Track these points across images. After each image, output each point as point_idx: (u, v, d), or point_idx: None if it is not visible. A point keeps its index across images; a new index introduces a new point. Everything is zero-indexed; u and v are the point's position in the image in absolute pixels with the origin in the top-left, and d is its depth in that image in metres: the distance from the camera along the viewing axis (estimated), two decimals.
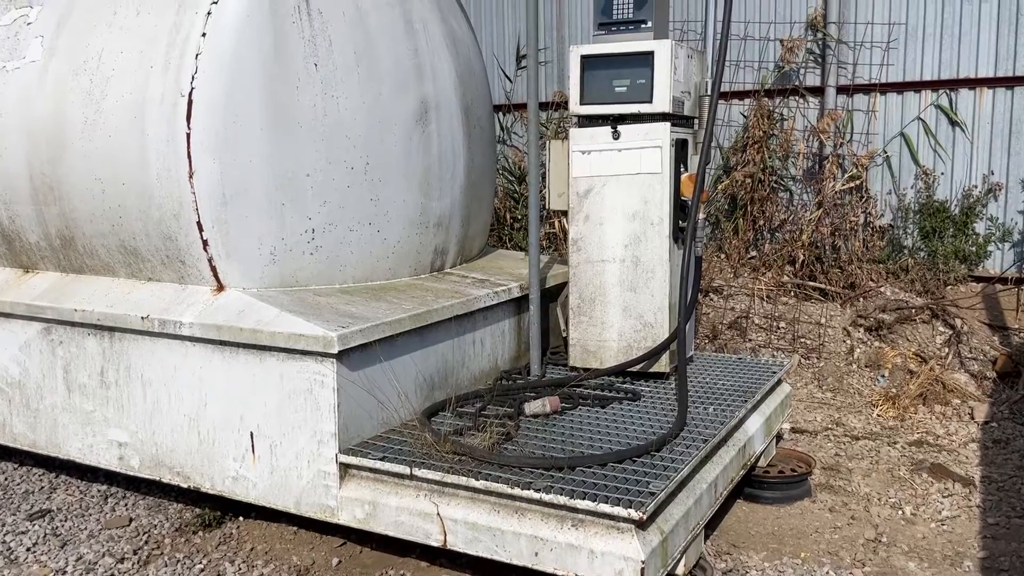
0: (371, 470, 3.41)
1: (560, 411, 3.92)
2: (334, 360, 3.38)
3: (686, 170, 4.54)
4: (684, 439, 3.55)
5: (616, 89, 4.45)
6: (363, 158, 4.08)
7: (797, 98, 7.36)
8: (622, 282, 4.48)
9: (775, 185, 7.45)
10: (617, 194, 4.46)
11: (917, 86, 6.94)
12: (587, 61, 4.48)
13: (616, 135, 4.43)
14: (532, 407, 3.88)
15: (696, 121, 4.67)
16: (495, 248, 6.07)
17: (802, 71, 7.33)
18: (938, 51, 6.87)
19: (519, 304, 4.72)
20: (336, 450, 3.42)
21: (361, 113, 4.06)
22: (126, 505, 4.44)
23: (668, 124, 4.34)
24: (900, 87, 7.00)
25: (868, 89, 7.12)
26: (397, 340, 3.70)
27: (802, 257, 7.14)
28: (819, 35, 7.24)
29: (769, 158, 7.29)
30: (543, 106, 8.82)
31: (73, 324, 4.04)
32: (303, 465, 3.51)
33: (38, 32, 4.15)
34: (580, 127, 4.57)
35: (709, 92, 4.63)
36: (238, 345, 3.59)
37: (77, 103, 3.93)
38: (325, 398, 3.42)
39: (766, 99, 7.35)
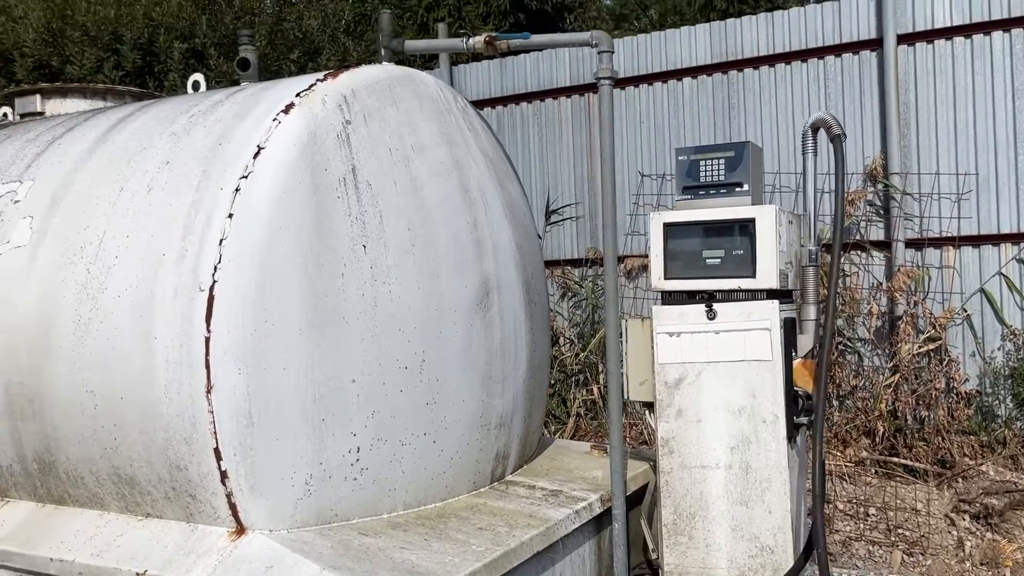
0: None
1: None
2: None
3: (796, 354, 3.81)
4: None
5: (708, 261, 3.78)
6: (419, 354, 3.33)
7: (860, 253, 6.77)
8: (729, 494, 3.65)
9: (842, 347, 6.74)
10: (716, 384, 3.71)
11: (995, 239, 6.37)
12: (672, 230, 3.84)
13: (711, 314, 3.73)
14: None
15: (801, 295, 3.98)
16: (549, 436, 5.25)
17: (864, 224, 6.77)
18: (1015, 202, 6.34)
19: (600, 520, 3.86)
20: None
21: (417, 301, 3.34)
22: None
23: (776, 302, 3.64)
24: (976, 240, 6.43)
25: (940, 243, 6.54)
26: None
27: (881, 429, 6.34)
28: (880, 186, 6.73)
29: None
30: (573, 263, 8.22)
31: None
32: None
33: (27, 211, 3.48)
34: (664, 304, 3.87)
35: (813, 260, 3.97)
36: None
37: (69, 298, 3.20)
38: None
39: (825, 254, 6.75)
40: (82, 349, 3.14)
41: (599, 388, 7.73)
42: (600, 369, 7.74)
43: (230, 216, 2.97)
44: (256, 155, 3.07)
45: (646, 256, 7.80)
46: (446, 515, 3.37)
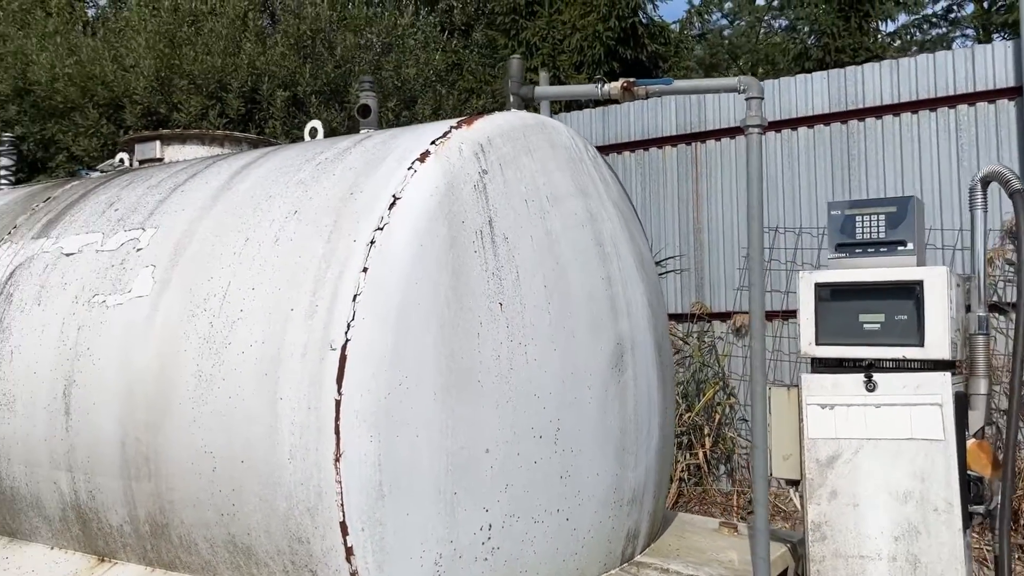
0: None
1: None
2: None
3: (968, 434, 3.40)
4: None
5: (866, 327, 3.44)
6: (554, 422, 3.06)
7: (996, 315, 6.26)
8: None
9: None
10: (877, 465, 3.33)
11: None
12: (824, 291, 3.50)
13: (871, 386, 3.37)
14: None
15: (969, 366, 3.58)
16: (670, 509, 4.88)
17: (1002, 284, 6.27)
18: None
19: None
20: None
21: (553, 364, 3.09)
22: None
23: (948, 374, 3.26)
24: None
25: None
26: None
27: None
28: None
29: None
30: (677, 318, 7.87)
31: None
32: None
33: (149, 260, 3.37)
34: (815, 371, 3.52)
35: (982, 328, 3.57)
36: None
37: (191, 352, 3.04)
38: None
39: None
40: (203, 407, 2.97)
41: (704, 452, 7.33)
42: (706, 432, 7.34)
43: (364, 270, 2.78)
44: (391, 205, 2.89)
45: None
46: None
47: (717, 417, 7.39)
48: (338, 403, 2.68)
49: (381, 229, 2.84)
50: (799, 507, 3.52)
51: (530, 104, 3.86)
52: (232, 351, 2.95)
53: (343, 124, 9.80)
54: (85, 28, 11.57)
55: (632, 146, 8.15)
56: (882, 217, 3.48)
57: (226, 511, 2.94)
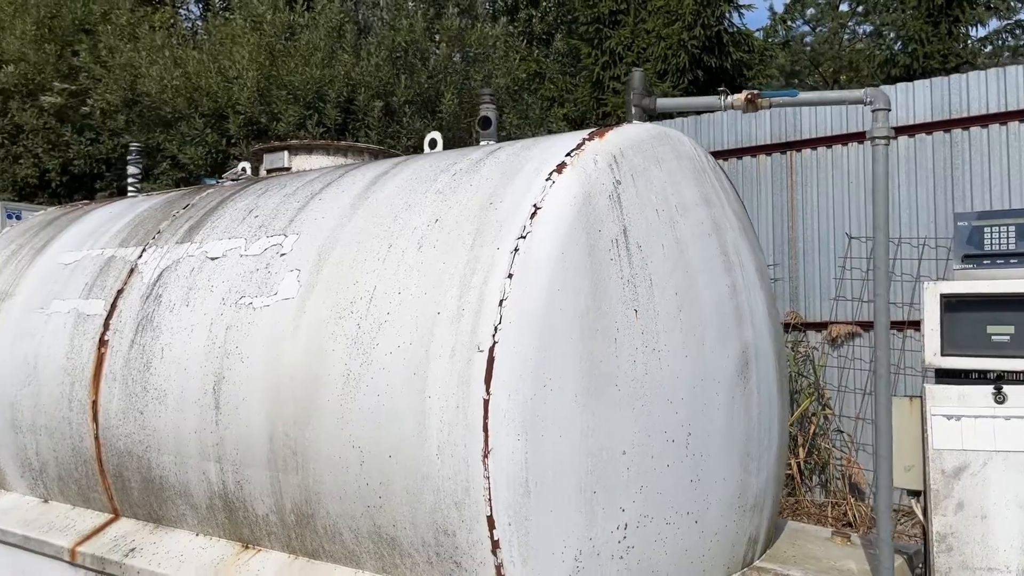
0: None
1: None
2: None
3: None
4: None
5: (994, 338, 3.42)
6: (685, 427, 3.15)
7: None
8: None
9: None
10: (1007, 477, 3.32)
11: None
12: (950, 302, 3.50)
13: (1000, 398, 3.35)
14: None
15: None
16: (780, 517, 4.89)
17: None
18: None
19: None
20: None
21: (684, 370, 3.17)
22: None
23: None
24: None
25: None
26: None
27: None
28: None
29: None
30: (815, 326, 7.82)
31: None
32: None
33: (294, 265, 3.56)
34: (939, 382, 3.52)
35: None
36: None
37: (339, 352, 3.22)
38: None
39: None
40: (351, 404, 3.14)
41: (798, 463, 7.28)
42: (800, 442, 7.29)
43: (510, 276, 2.91)
44: (532, 215, 3.02)
45: (853, 323, 7.38)
46: None
47: (812, 428, 7.34)
48: (486, 402, 2.81)
49: (524, 237, 2.97)
50: (921, 518, 3.52)
51: (652, 115, 3.95)
52: (380, 351, 3.11)
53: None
54: (187, 39, 12.10)
55: (726, 154, 8.16)
56: (1011, 228, 3.47)
57: (372, 503, 3.10)
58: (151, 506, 3.95)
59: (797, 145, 7.78)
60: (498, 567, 2.82)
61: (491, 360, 2.83)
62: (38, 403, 4.36)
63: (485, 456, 2.80)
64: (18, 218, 9.24)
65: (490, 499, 2.79)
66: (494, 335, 2.85)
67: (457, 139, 10.11)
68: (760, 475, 3.56)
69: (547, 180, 3.12)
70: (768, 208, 7.95)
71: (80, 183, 12.65)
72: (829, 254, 7.53)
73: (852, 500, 7.08)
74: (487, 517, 2.80)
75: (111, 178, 12.22)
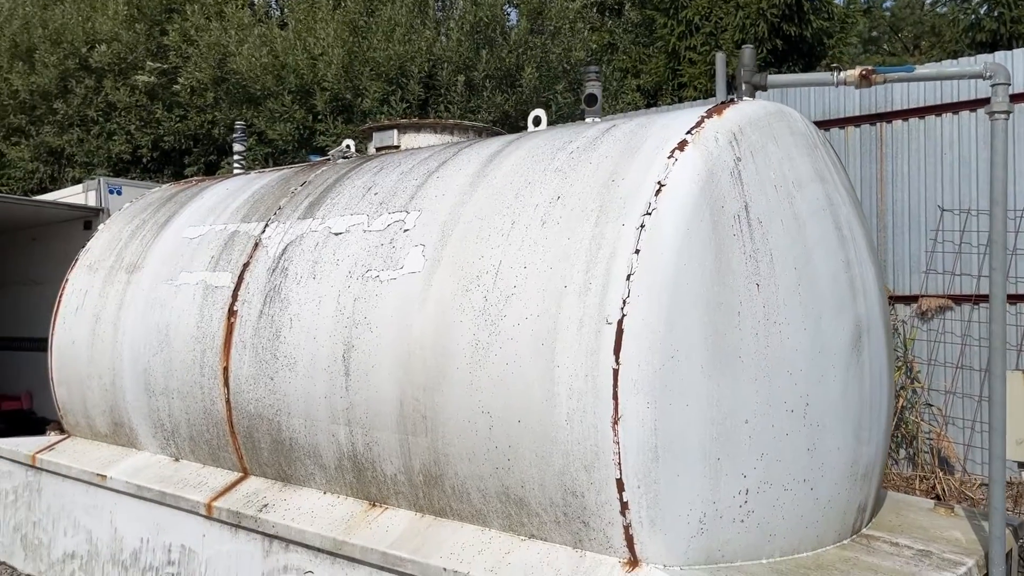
0: None
1: None
2: None
3: None
4: None
5: None
6: (803, 398, 3.24)
7: None
8: None
9: None
10: None
11: None
12: None
13: None
14: None
15: None
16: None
17: None
18: None
19: None
20: None
21: (802, 342, 3.26)
22: None
23: None
24: None
25: None
26: None
27: None
28: None
29: None
30: (905, 300, 7.78)
31: None
32: None
33: (418, 240, 3.74)
34: None
35: None
36: None
37: (466, 323, 3.39)
38: None
39: None
40: (479, 372, 3.32)
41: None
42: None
43: (636, 251, 3.03)
44: (657, 192, 3.13)
45: (944, 296, 7.30)
46: (824, 566, 3.24)
47: (900, 401, 7.31)
48: (615, 372, 2.95)
49: (649, 214, 3.09)
50: None
51: (761, 91, 3.99)
52: (507, 323, 3.27)
53: (514, 108, 10.13)
54: (269, 16, 12.39)
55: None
56: None
57: (501, 465, 3.28)
58: (280, 466, 4.22)
59: (887, 116, 7.67)
60: (626, 527, 2.98)
61: (620, 332, 2.97)
62: (170, 369, 4.66)
63: (615, 423, 2.94)
64: (118, 193, 9.64)
65: (619, 463, 2.94)
66: (623, 308, 2.99)
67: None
68: (870, 445, 3.63)
69: (669, 158, 3.22)
70: (856, 181, 7.86)
71: (169, 158, 13.13)
72: (920, 227, 7.44)
73: (941, 474, 7.06)
74: (616, 480, 2.96)
75: (199, 153, 12.65)
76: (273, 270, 4.30)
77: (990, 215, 3.59)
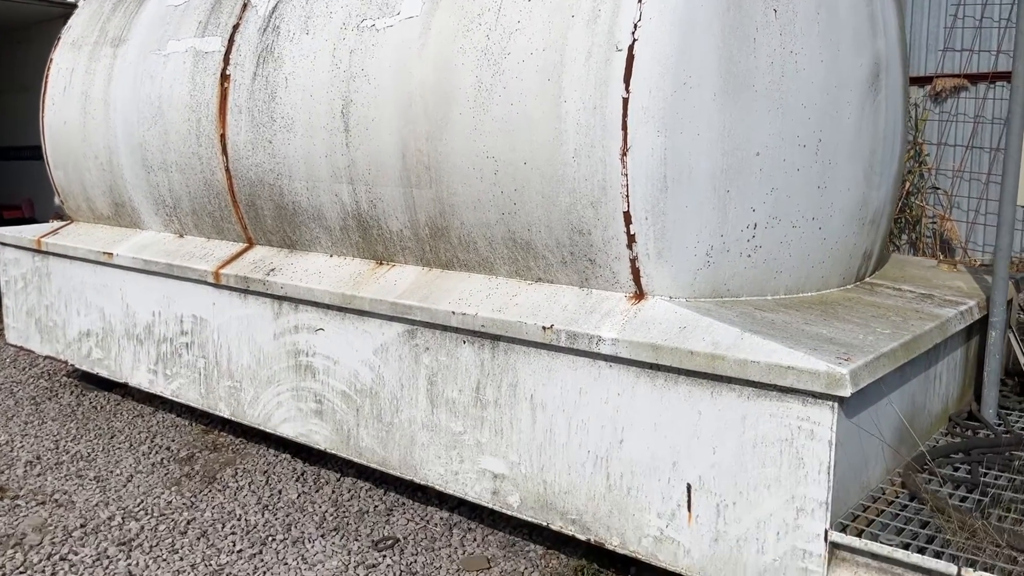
0: (883, 559, 2.48)
1: None
2: (834, 405, 2.48)
3: None
4: None
5: None
6: (816, 133, 3.15)
7: None
8: None
9: None
10: None
11: None
12: None
13: None
14: None
15: None
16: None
17: None
18: None
19: (968, 331, 3.64)
20: (826, 524, 2.53)
21: (819, 75, 3.13)
22: (474, 540, 3.79)
23: None
24: None
25: None
26: (884, 378, 2.75)
27: None
28: None
29: None
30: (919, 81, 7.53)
31: (446, 329, 3.40)
32: (767, 537, 2.64)
33: None
34: None
35: None
36: (678, 372, 2.77)
37: (468, 65, 3.25)
38: (814, 453, 2.53)
39: None
40: (483, 115, 3.21)
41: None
42: None
43: None
44: None
45: (960, 76, 7.06)
46: (828, 303, 3.28)
47: (907, 185, 7.24)
48: (625, 101, 2.85)
49: None
50: None
51: None
52: (511, 60, 3.13)
53: None
54: None
55: None
56: None
57: (507, 210, 3.24)
58: (284, 232, 4.20)
59: None
60: (632, 260, 2.98)
61: (631, 58, 2.84)
62: (167, 141, 4.56)
63: (624, 154, 2.87)
64: None
65: (627, 195, 2.90)
66: (633, 32, 2.84)
67: None
68: (880, 190, 3.59)
69: None
70: None
71: None
72: (940, 1, 7.07)
73: (942, 257, 7.10)
74: (624, 213, 2.93)
75: None
76: (264, 29, 4.10)
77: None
